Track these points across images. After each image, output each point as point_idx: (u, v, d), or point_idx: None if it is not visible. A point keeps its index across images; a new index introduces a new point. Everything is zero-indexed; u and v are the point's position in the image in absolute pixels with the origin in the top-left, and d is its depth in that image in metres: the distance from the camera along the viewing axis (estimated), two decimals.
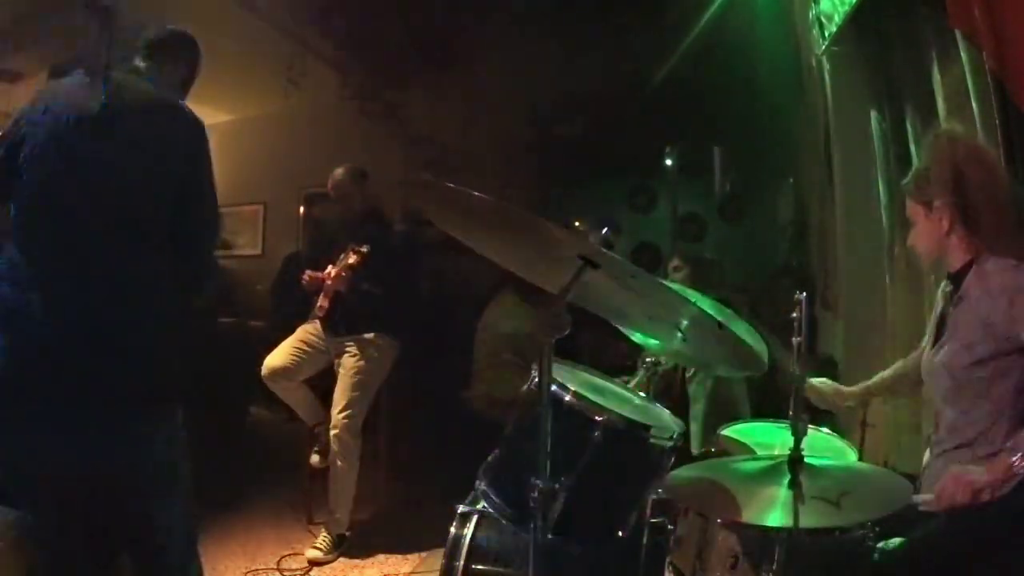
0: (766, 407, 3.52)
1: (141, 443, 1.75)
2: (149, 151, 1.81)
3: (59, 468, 1.68)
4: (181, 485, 1.87)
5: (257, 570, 3.24)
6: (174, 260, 1.89)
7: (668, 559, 1.88)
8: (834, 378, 3.56)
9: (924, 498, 1.63)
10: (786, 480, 1.42)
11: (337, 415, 3.44)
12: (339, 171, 3.73)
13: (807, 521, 1.34)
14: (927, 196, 1.81)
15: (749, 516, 1.40)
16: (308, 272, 3.60)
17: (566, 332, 1.37)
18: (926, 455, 1.90)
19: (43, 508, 1.58)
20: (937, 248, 1.83)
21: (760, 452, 2.02)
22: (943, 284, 1.92)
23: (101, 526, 1.82)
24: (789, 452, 1.46)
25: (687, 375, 3.69)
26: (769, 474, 1.48)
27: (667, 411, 2.08)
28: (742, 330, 1.95)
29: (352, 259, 3.45)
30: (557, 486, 1.44)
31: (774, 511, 1.38)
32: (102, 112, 1.78)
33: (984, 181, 1.73)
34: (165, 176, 1.82)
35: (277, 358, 3.56)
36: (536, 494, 1.39)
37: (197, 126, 1.90)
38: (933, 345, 1.85)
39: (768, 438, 2.16)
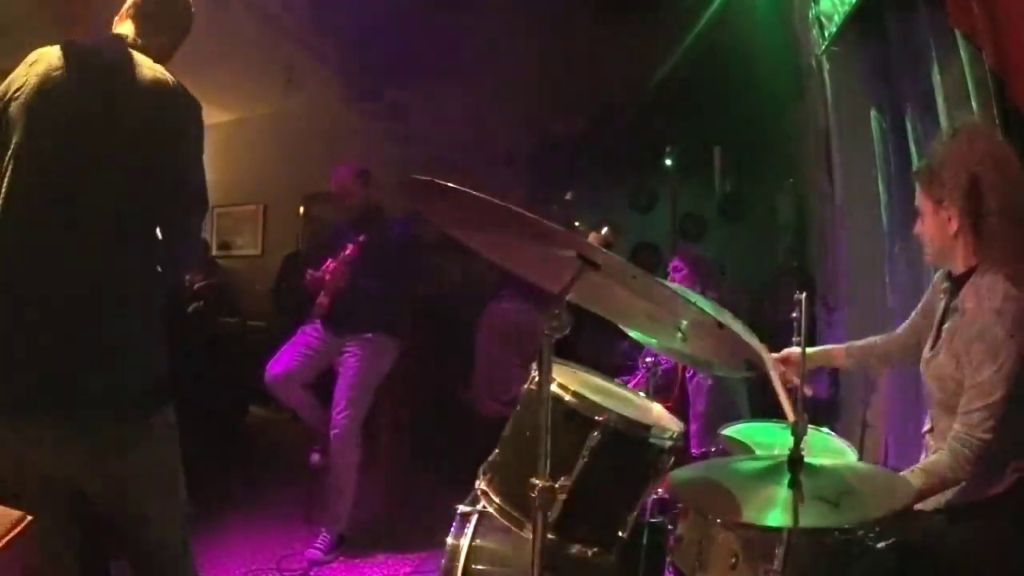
0: (766, 407, 3.53)
1: (135, 444, 1.72)
2: (142, 126, 1.75)
3: (52, 470, 1.65)
4: (176, 487, 1.85)
5: (257, 570, 3.24)
6: (164, 243, 1.82)
7: (668, 559, 1.88)
8: (835, 378, 3.56)
9: None
10: (786, 480, 1.42)
11: (337, 415, 3.44)
12: (341, 170, 3.73)
13: (807, 521, 1.34)
14: (937, 194, 1.76)
15: (749, 516, 1.40)
16: (309, 271, 3.60)
17: (566, 332, 1.37)
18: (923, 455, 1.89)
19: (36, 511, 1.56)
20: (942, 247, 1.80)
21: (760, 452, 2.02)
22: (940, 276, 1.91)
23: (95, 530, 1.81)
24: (789, 452, 1.46)
25: (687, 375, 3.69)
26: (769, 474, 1.48)
27: (667, 411, 2.08)
28: (741, 330, 1.96)
29: (349, 251, 3.46)
30: (557, 486, 1.44)
31: (774, 511, 1.38)
32: (94, 83, 1.73)
33: (1000, 190, 1.67)
34: (157, 152, 1.76)
35: (279, 363, 3.55)
36: (536, 494, 1.38)
37: (192, 103, 1.84)
38: (932, 347, 1.84)
39: (768, 438, 2.16)
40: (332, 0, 5.36)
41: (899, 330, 2.10)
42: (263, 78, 6.16)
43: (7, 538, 1.50)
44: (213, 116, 7.33)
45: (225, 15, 4.66)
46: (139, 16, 1.90)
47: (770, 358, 2.07)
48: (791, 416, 1.94)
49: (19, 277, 1.64)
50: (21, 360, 1.62)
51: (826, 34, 3.50)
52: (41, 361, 1.62)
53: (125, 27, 1.90)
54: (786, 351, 2.13)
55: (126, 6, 1.92)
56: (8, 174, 1.67)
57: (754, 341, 2.02)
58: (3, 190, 1.66)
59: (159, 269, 1.81)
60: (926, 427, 1.88)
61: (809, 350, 2.16)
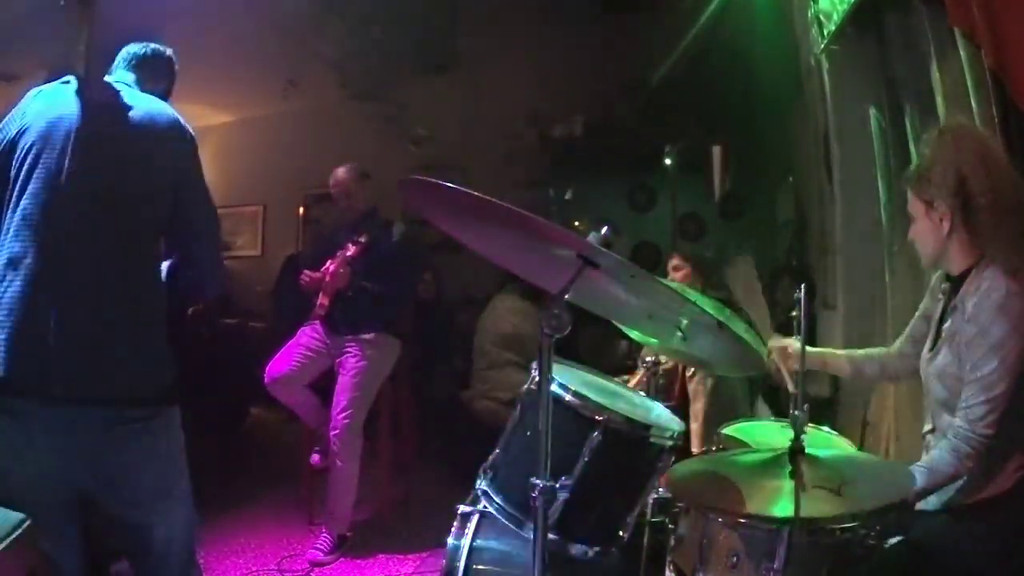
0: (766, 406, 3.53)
1: (143, 448, 1.73)
2: (151, 156, 1.81)
3: (53, 469, 1.65)
4: (183, 491, 1.87)
5: (258, 571, 3.24)
6: (180, 265, 1.90)
7: (669, 558, 1.88)
8: (834, 378, 3.55)
9: None
10: (787, 471, 1.42)
11: (337, 415, 3.44)
12: (341, 170, 3.73)
13: (809, 510, 1.34)
14: (928, 195, 1.76)
15: (751, 508, 1.40)
16: (306, 272, 3.59)
17: (566, 332, 1.37)
18: (923, 455, 1.89)
19: (36, 511, 1.57)
20: (937, 248, 1.79)
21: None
22: (938, 278, 1.91)
23: (100, 533, 1.81)
24: (790, 444, 1.46)
25: (687, 374, 3.69)
26: (770, 466, 1.49)
27: (667, 410, 2.08)
28: (741, 329, 1.96)
29: (350, 251, 3.46)
30: (557, 486, 1.44)
31: (776, 503, 1.38)
32: (103, 116, 1.79)
33: (989, 185, 1.66)
34: (165, 180, 1.82)
35: (279, 365, 3.55)
36: (536, 494, 1.39)
37: (192, 138, 1.92)
38: (932, 347, 1.84)
39: (769, 437, 2.17)
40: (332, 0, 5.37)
41: (896, 343, 2.07)
42: (263, 78, 6.17)
43: (8, 539, 1.50)
44: (213, 117, 7.35)
45: (225, 15, 4.67)
46: (132, 67, 2.02)
47: (772, 347, 2.07)
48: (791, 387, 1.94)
49: (39, 283, 1.66)
50: (34, 355, 1.64)
51: (825, 33, 3.50)
52: (52, 357, 1.64)
53: (121, 75, 2.01)
54: (787, 341, 2.10)
55: (117, 60, 2.04)
56: (18, 208, 1.71)
57: (754, 340, 2.02)
58: (16, 222, 1.70)
59: (183, 292, 1.92)
60: (927, 427, 1.88)
61: (809, 349, 2.15)
